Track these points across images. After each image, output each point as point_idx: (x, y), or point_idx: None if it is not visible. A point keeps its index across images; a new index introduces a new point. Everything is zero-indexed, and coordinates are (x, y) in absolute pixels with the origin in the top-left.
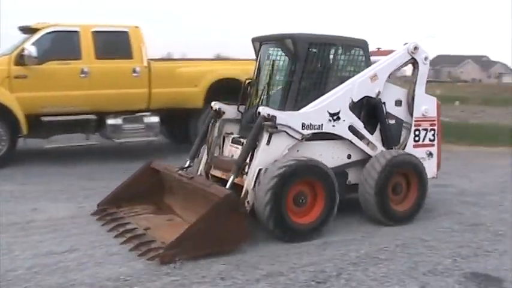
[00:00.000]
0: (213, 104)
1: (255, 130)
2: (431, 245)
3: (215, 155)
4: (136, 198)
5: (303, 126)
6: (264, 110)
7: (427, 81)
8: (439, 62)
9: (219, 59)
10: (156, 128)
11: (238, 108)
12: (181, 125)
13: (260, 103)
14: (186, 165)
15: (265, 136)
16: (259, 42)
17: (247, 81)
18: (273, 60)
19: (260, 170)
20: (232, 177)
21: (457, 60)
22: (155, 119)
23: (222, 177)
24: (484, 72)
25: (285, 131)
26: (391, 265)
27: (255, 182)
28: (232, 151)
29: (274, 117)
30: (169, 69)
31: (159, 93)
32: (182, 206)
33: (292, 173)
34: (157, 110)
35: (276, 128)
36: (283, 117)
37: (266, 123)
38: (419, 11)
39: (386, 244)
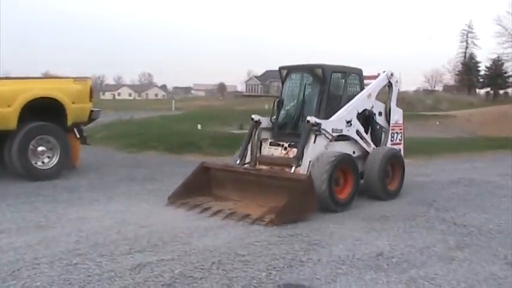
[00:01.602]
0: (253, 116)
1: (306, 133)
2: (247, 260)
3: (258, 155)
4: (195, 191)
5: (333, 130)
6: (312, 119)
7: (257, 96)
8: (268, 77)
9: (38, 77)
10: None
11: (270, 119)
12: None
13: (296, 115)
14: (238, 162)
15: (312, 137)
16: (287, 70)
17: (276, 100)
18: (305, 84)
19: (310, 161)
20: (294, 167)
21: None
22: None
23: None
24: None
25: (324, 134)
26: (205, 283)
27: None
28: (272, 151)
29: (319, 124)
30: None
31: None
32: (241, 193)
33: (338, 162)
34: None
35: (320, 131)
36: (324, 124)
37: (313, 128)
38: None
39: (202, 262)
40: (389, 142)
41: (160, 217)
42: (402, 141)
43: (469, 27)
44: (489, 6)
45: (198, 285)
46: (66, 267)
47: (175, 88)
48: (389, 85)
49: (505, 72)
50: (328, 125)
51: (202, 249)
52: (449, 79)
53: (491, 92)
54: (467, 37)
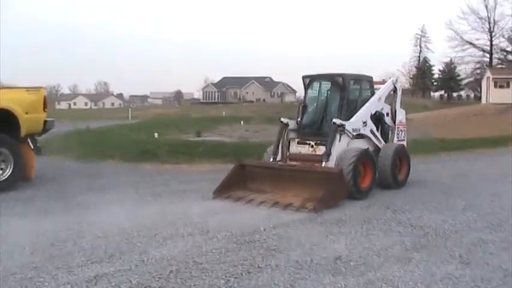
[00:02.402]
0: (282, 119)
1: (332, 133)
2: (205, 267)
3: (287, 153)
4: (233, 186)
5: (353, 130)
6: (337, 121)
7: (214, 103)
8: (225, 84)
9: None
10: None
11: (297, 121)
12: None
13: (320, 117)
14: (271, 159)
15: (338, 136)
16: (309, 79)
17: (301, 105)
18: (328, 91)
19: (336, 157)
20: (324, 162)
21: (242, 81)
22: None
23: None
24: (268, 92)
25: (346, 133)
26: None
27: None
28: (299, 149)
29: (344, 125)
30: None
31: None
32: (276, 185)
33: (361, 156)
34: None
35: (344, 131)
36: (347, 124)
37: (339, 128)
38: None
39: (160, 271)
40: (395, 139)
41: (118, 227)
42: (405, 138)
43: (422, 31)
44: (441, 10)
45: None
46: (20, 281)
47: (132, 97)
48: (395, 90)
49: (458, 75)
50: (349, 125)
51: (160, 259)
52: (404, 82)
53: (445, 94)
54: (420, 41)
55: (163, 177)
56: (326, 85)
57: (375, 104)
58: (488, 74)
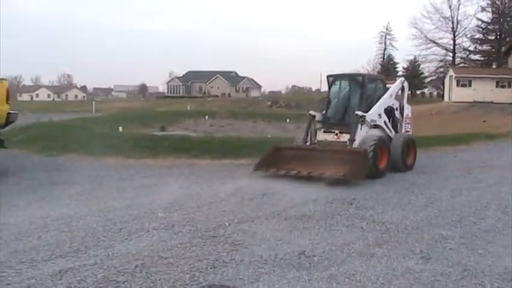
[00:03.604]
0: (310, 112)
1: (355, 123)
2: (170, 262)
3: (315, 140)
4: (268, 166)
5: (371, 120)
6: (359, 113)
7: (179, 97)
8: (190, 78)
9: None
10: None
11: (322, 114)
12: None
13: (343, 110)
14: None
15: (359, 126)
16: (333, 78)
17: (326, 99)
18: (349, 88)
19: (358, 142)
20: (349, 147)
21: (207, 75)
22: None
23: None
24: (233, 86)
25: (366, 123)
26: (129, 287)
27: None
28: (325, 137)
29: (364, 116)
30: None
31: None
32: (306, 164)
33: (379, 142)
34: None
35: (364, 121)
36: (367, 116)
37: (360, 119)
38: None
39: (125, 266)
40: (403, 130)
41: (82, 221)
42: (411, 130)
43: (387, 29)
44: (405, 9)
45: None
46: None
47: (95, 89)
48: (402, 88)
49: (421, 73)
50: (368, 116)
51: (125, 253)
52: None
53: (409, 92)
54: (385, 38)
55: (128, 171)
56: (346, 83)
57: (387, 99)
58: (451, 72)
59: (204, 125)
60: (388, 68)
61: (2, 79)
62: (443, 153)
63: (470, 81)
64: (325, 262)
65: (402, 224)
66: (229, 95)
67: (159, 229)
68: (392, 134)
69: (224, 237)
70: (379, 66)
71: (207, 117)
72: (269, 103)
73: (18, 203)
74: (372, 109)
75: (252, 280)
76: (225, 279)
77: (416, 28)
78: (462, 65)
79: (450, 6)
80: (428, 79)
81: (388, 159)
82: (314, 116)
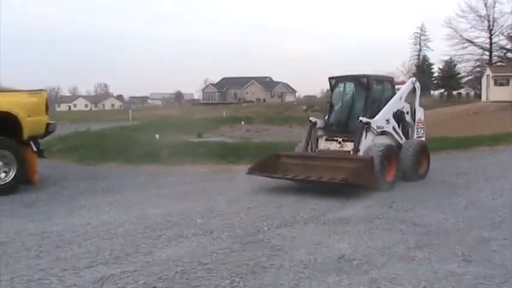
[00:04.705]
0: (310, 118)
1: (359, 130)
2: (210, 268)
3: (316, 150)
4: (264, 171)
5: (377, 127)
6: (364, 119)
7: (214, 104)
8: (225, 85)
9: None
10: None
11: (324, 120)
12: None
13: (346, 116)
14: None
15: (364, 133)
16: (335, 80)
17: (328, 103)
18: (353, 91)
19: (363, 152)
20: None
21: (242, 81)
22: None
23: None
24: (268, 92)
25: (372, 130)
26: None
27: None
28: (327, 145)
29: (369, 122)
30: None
31: None
32: (308, 173)
33: (386, 151)
34: None
35: (369, 128)
36: (372, 122)
37: (365, 126)
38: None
39: (165, 272)
40: (415, 135)
41: (121, 229)
42: (424, 135)
43: (421, 29)
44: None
45: None
46: (27, 284)
47: (131, 98)
48: (414, 90)
49: (458, 74)
50: (374, 123)
51: (165, 259)
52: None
53: (445, 93)
54: (420, 39)
55: (166, 178)
56: (350, 86)
57: (396, 103)
58: (488, 71)
59: (240, 131)
60: (423, 69)
61: (41, 90)
62: (483, 153)
63: (508, 80)
64: (365, 266)
65: (443, 227)
66: (264, 100)
67: (198, 235)
68: (402, 140)
69: (263, 242)
70: (414, 68)
71: (243, 122)
72: (304, 107)
73: (59, 212)
74: (379, 114)
75: (292, 285)
76: (265, 285)
77: (451, 28)
78: (499, 63)
79: (486, 5)
80: (465, 79)
81: (397, 170)
82: (315, 123)
